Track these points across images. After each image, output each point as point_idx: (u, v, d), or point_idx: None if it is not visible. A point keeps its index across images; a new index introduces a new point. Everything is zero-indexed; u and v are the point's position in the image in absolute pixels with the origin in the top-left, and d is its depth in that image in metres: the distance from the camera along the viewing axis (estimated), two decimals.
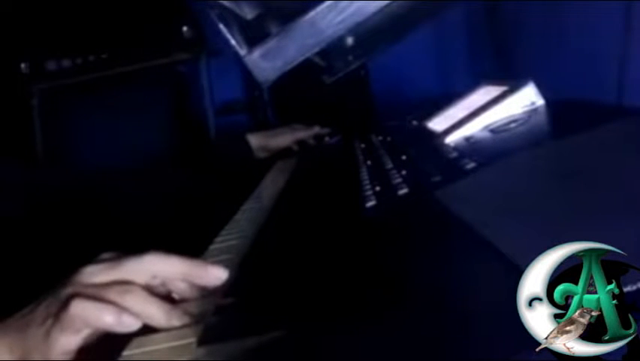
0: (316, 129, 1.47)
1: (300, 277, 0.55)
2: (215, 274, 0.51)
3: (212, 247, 0.76)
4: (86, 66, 1.86)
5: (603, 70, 1.10)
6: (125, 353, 0.48)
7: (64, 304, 0.47)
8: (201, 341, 0.46)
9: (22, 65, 1.84)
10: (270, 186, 1.15)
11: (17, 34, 1.82)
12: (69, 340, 0.47)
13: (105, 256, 0.52)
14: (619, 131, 0.62)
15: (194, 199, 1.22)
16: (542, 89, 0.84)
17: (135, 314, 0.47)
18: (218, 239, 0.79)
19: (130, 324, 0.47)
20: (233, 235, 0.80)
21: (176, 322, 0.49)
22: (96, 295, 0.47)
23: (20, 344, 0.48)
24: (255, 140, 1.37)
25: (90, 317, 0.46)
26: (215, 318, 0.50)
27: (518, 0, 1.46)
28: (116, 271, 0.49)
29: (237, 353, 0.43)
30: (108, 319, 0.46)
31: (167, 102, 2.05)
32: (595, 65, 1.14)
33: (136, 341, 0.50)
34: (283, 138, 1.41)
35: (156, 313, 0.48)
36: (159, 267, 0.50)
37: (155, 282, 0.51)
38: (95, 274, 0.49)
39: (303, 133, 1.45)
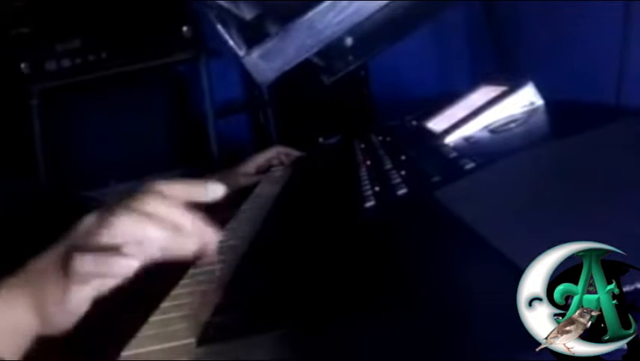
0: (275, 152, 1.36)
1: (300, 277, 0.55)
2: (213, 189, 0.55)
3: None
4: (85, 66, 1.86)
5: (602, 70, 1.10)
6: (125, 353, 0.48)
7: (68, 256, 0.49)
8: (201, 341, 0.46)
9: (22, 65, 1.84)
10: (269, 186, 1.15)
11: (17, 34, 1.82)
12: (82, 292, 0.49)
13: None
14: (618, 132, 0.62)
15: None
16: (542, 89, 0.84)
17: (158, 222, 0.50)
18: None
19: (130, 266, 0.49)
20: (232, 235, 0.80)
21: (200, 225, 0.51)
22: (96, 245, 0.49)
23: (37, 296, 0.50)
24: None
25: (93, 273, 0.49)
26: (215, 318, 0.50)
27: (518, 0, 1.46)
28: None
29: (237, 353, 0.43)
30: (106, 268, 0.48)
31: (167, 102, 2.05)
32: (594, 66, 1.14)
33: (136, 341, 0.50)
34: (245, 178, 1.29)
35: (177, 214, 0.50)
36: (164, 190, 0.53)
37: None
38: (91, 227, 0.51)
39: (262, 160, 1.33)
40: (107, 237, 0.49)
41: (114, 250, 0.48)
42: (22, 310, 0.51)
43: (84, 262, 0.48)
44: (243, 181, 1.28)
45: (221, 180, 1.32)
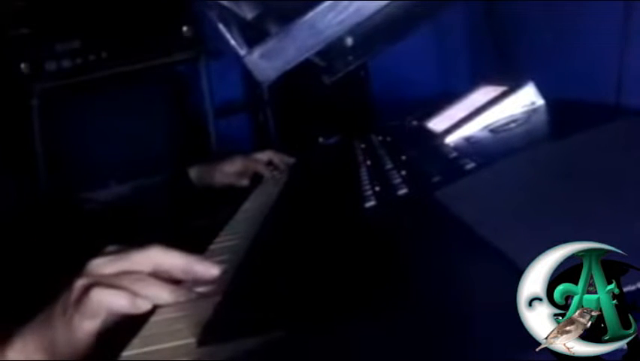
0: (267, 156, 1.31)
1: (300, 277, 0.55)
2: (210, 270, 0.58)
3: (212, 247, 0.76)
4: (85, 66, 1.86)
5: (603, 70, 1.10)
6: (125, 353, 0.48)
7: (82, 293, 0.53)
8: (201, 341, 0.46)
9: (22, 65, 1.84)
10: (270, 186, 1.15)
11: (17, 34, 1.82)
12: (89, 324, 0.53)
13: (110, 248, 0.57)
14: (618, 132, 0.62)
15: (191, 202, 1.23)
16: (542, 89, 0.84)
17: (145, 297, 0.54)
18: (218, 239, 0.79)
19: (142, 306, 0.53)
20: (233, 235, 0.80)
21: (181, 298, 0.55)
22: (110, 282, 0.53)
23: (48, 339, 0.54)
24: (195, 173, 1.26)
25: (107, 302, 0.52)
26: (215, 318, 0.50)
27: (518, 0, 1.46)
28: (122, 262, 0.55)
29: (237, 353, 0.43)
30: (123, 302, 0.52)
31: (167, 102, 2.05)
32: (594, 65, 1.14)
33: (136, 341, 0.50)
34: (224, 175, 1.26)
35: (163, 293, 0.55)
36: (161, 259, 0.56)
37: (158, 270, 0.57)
38: (103, 265, 0.55)
39: (250, 166, 1.28)
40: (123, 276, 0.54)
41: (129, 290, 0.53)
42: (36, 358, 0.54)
43: (104, 294, 0.52)
44: (225, 180, 1.25)
45: (205, 172, 1.33)
